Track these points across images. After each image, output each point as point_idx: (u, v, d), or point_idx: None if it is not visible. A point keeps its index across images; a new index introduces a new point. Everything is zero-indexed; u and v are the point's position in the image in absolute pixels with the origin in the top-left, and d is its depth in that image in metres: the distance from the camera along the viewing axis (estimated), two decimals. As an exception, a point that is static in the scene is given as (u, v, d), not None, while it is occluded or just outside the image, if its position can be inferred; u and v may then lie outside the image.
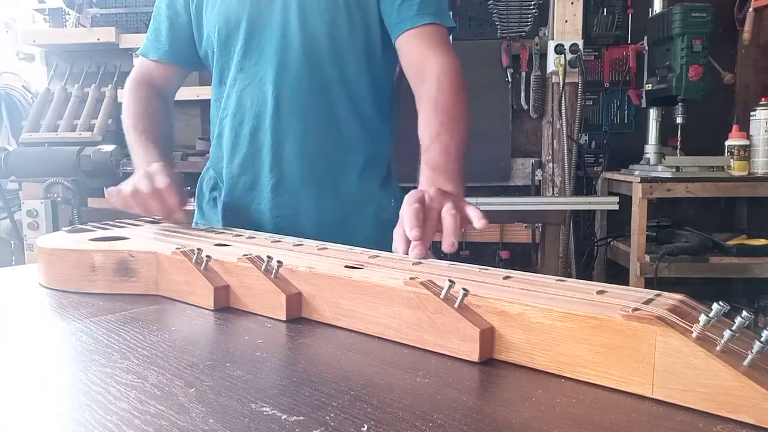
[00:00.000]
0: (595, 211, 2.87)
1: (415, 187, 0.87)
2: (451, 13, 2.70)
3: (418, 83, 1.05)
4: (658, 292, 0.53)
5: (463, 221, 0.79)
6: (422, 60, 1.05)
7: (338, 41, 1.08)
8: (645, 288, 0.57)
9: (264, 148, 1.10)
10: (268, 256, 0.69)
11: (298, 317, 0.67)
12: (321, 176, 1.11)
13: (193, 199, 1.24)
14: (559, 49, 2.72)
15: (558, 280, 0.59)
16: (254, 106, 1.10)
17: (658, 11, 2.59)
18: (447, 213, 0.77)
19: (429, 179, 0.89)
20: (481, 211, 0.79)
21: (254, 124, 1.10)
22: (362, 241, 0.83)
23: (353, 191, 1.12)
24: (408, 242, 0.75)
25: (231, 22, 1.09)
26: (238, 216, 1.13)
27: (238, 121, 1.12)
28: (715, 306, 0.46)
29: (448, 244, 0.74)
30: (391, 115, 1.19)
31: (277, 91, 1.08)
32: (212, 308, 0.70)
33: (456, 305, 0.54)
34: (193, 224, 1.16)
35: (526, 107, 2.92)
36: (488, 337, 0.54)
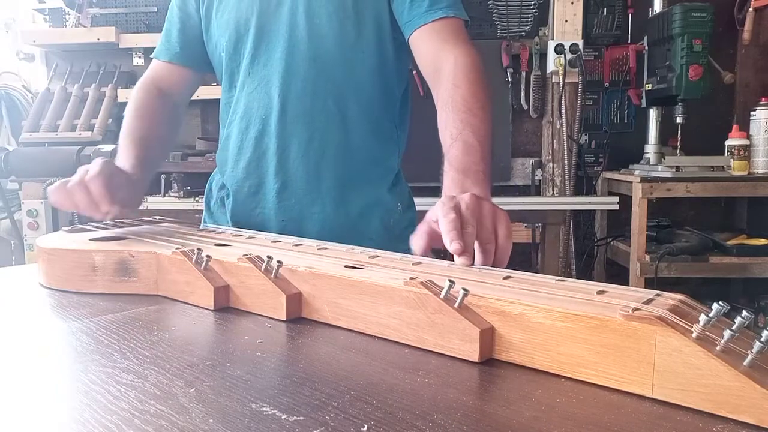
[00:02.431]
0: (595, 211, 2.87)
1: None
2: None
3: (435, 82, 1.02)
4: (658, 292, 0.53)
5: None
6: (436, 57, 1.02)
7: (347, 44, 1.06)
8: (645, 288, 0.57)
9: (269, 152, 1.09)
10: (268, 256, 0.69)
11: (298, 317, 0.67)
12: (327, 180, 1.09)
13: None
14: (559, 49, 2.72)
15: (558, 280, 0.59)
16: (260, 110, 1.09)
17: (658, 11, 2.60)
18: (503, 239, 0.72)
19: (455, 181, 0.85)
20: (510, 229, 0.74)
21: (260, 127, 1.10)
22: (368, 245, 0.82)
23: (360, 195, 1.11)
24: (426, 245, 0.72)
25: (241, 27, 1.09)
26: (244, 219, 1.12)
27: (245, 125, 1.11)
28: (715, 306, 0.46)
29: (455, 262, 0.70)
30: (402, 119, 1.17)
31: (282, 94, 1.07)
32: (212, 308, 0.70)
33: (456, 305, 0.54)
34: (201, 225, 1.16)
35: (526, 107, 2.92)
36: (488, 337, 0.54)
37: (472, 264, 0.69)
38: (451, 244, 0.68)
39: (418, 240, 0.73)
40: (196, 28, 1.18)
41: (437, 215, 0.73)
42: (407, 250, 1.09)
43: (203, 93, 2.77)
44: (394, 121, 1.15)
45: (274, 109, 1.08)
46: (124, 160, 1.05)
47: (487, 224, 0.72)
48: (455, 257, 0.69)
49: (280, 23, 1.07)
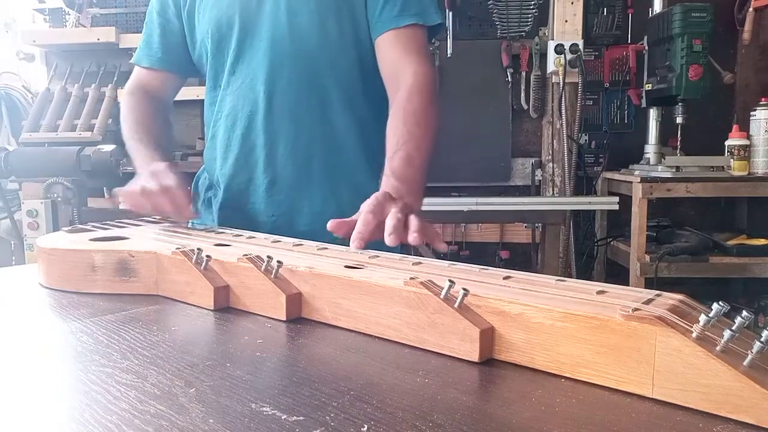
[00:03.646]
0: (595, 211, 2.87)
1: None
2: (448, 13, 2.70)
3: (392, 87, 1.07)
4: (658, 292, 0.53)
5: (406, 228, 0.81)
6: (397, 65, 1.07)
7: (328, 40, 1.09)
8: (645, 288, 0.57)
9: (257, 148, 1.11)
10: (268, 256, 0.69)
11: (298, 317, 0.67)
12: (315, 175, 1.11)
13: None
14: (559, 49, 2.72)
15: (558, 280, 0.59)
16: (246, 107, 1.11)
17: (658, 11, 2.59)
18: (392, 216, 0.80)
19: (393, 188, 0.91)
20: (428, 225, 0.82)
21: (246, 124, 1.11)
22: None
23: (348, 190, 1.13)
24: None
25: (223, 26, 1.11)
26: (233, 216, 1.13)
27: (231, 122, 1.13)
28: (715, 306, 0.46)
29: (391, 240, 0.77)
30: (385, 113, 1.19)
31: (268, 91, 1.09)
32: (212, 308, 0.70)
33: (456, 305, 0.54)
34: (189, 224, 1.16)
35: (526, 107, 2.92)
36: (488, 337, 0.54)
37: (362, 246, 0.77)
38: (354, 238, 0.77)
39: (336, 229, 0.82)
40: (176, 34, 1.19)
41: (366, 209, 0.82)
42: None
43: (203, 93, 2.76)
44: (377, 115, 1.17)
45: (260, 105, 1.10)
46: (155, 162, 1.07)
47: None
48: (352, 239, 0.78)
49: (263, 21, 1.09)
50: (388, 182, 0.94)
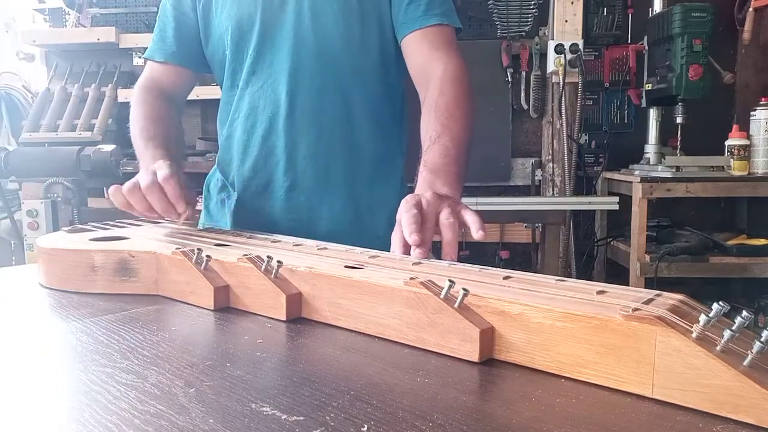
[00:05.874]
0: (595, 211, 2.87)
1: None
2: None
3: (423, 86, 1.05)
4: (658, 292, 0.53)
5: (461, 227, 0.78)
6: (426, 62, 1.05)
7: (352, 42, 1.08)
8: (645, 288, 0.57)
9: (277, 149, 1.10)
10: (268, 256, 0.69)
11: (298, 317, 0.67)
12: (335, 178, 1.10)
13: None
14: (559, 49, 2.72)
15: (558, 280, 0.59)
16: (267, 108, 1.09)
17: (658, 11, 2.60)
18: (446, 221, 0.76)
19: (426, 181, 0.88)
20: (479, 216, 0.78)
21: (267, 125, 1.09)
22: (375, 243, 0.83)
23: (367, 193, 1.12)
24: (407, 246, 0.75)
25: (244, 25, 1.08)
26: (250, 218, 1.12)
27: (251, 123, 1.11)
28: (715, 306, 0.46)
29: (448, 261, 0.73)
30: (404, 118, 1.18)
31: (290, 92, 1.07)
32: (212, 308, 0.70)
33: (456, 305, 0.54)
34: (200, 226, 1.15)
35: (526, 107, 2.92)
36: (488, 337, 0.54)
37: (428, 257, 0.73)
38: (410, 236, 0.73)
39: (397, 249, 0.77)
40: (192, 28, 1.16)
41: (400, 212, 0.77)
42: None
43: (203, 93, 2.77)
44: (396, 119, 1.17)
45: (282, 107, 1.08)
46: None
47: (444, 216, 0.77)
48: (412, 249, 0.73)
49: (285, 21, 1.07)
50: (422, 176, 0.90)
